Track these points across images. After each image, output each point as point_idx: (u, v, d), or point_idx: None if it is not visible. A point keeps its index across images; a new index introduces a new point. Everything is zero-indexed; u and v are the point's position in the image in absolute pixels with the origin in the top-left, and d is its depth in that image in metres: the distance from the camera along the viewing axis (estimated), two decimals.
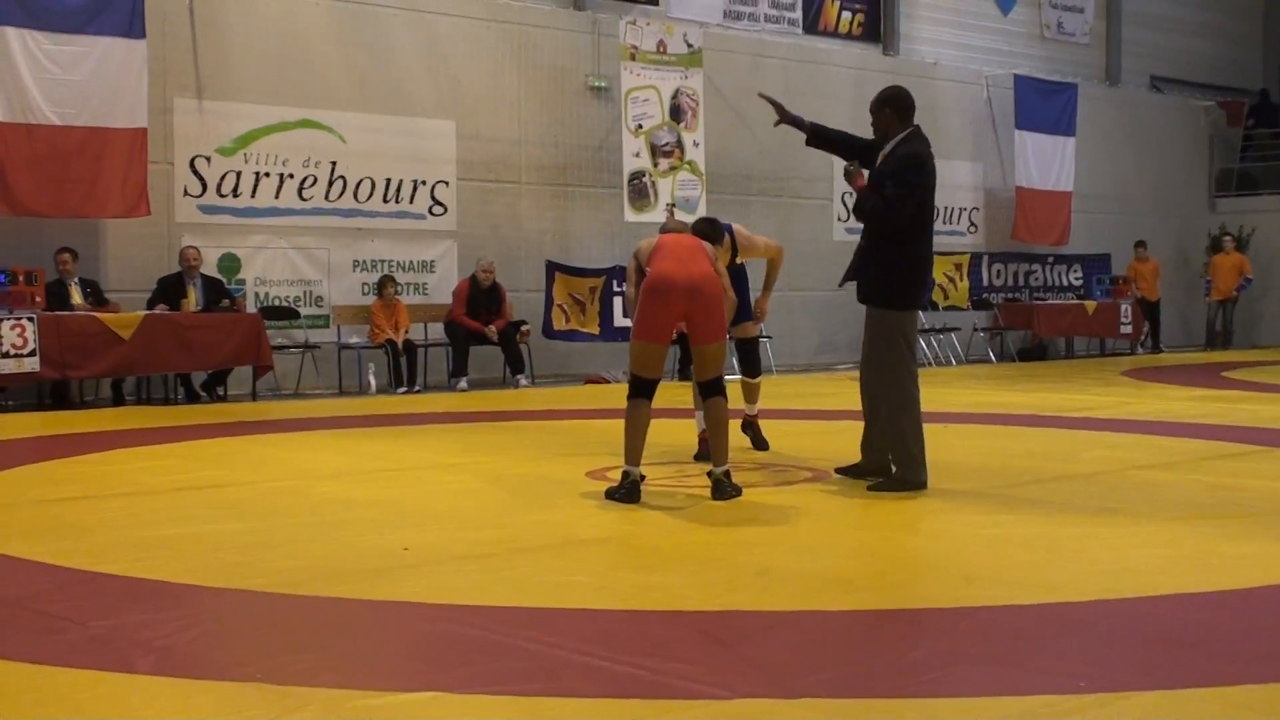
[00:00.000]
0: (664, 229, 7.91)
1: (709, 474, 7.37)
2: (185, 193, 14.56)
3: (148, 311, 13.40)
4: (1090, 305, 21.57)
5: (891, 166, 7.46)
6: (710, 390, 7.37)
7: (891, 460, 7.51)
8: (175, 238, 14.34)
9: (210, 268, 14.41)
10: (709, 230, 8.30)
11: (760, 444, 9.34)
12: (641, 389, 7.27)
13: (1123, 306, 21.77)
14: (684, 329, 7.42)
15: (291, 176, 15.20)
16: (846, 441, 9.18)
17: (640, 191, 17.25)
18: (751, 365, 9.45)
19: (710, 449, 7.46)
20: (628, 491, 7.11)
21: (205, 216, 14.68)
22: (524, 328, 15.97)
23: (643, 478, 7.25)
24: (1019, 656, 4.16)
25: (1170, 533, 6.20)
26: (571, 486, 7.74)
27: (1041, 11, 23.77)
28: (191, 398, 13.89)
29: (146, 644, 4.26)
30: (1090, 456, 8.98)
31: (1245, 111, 26.67)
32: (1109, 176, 23.97)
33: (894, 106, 7.62)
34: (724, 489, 7.22)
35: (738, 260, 9.07)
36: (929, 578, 5.29)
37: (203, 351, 13.50)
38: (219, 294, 14.06)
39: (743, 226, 9.20)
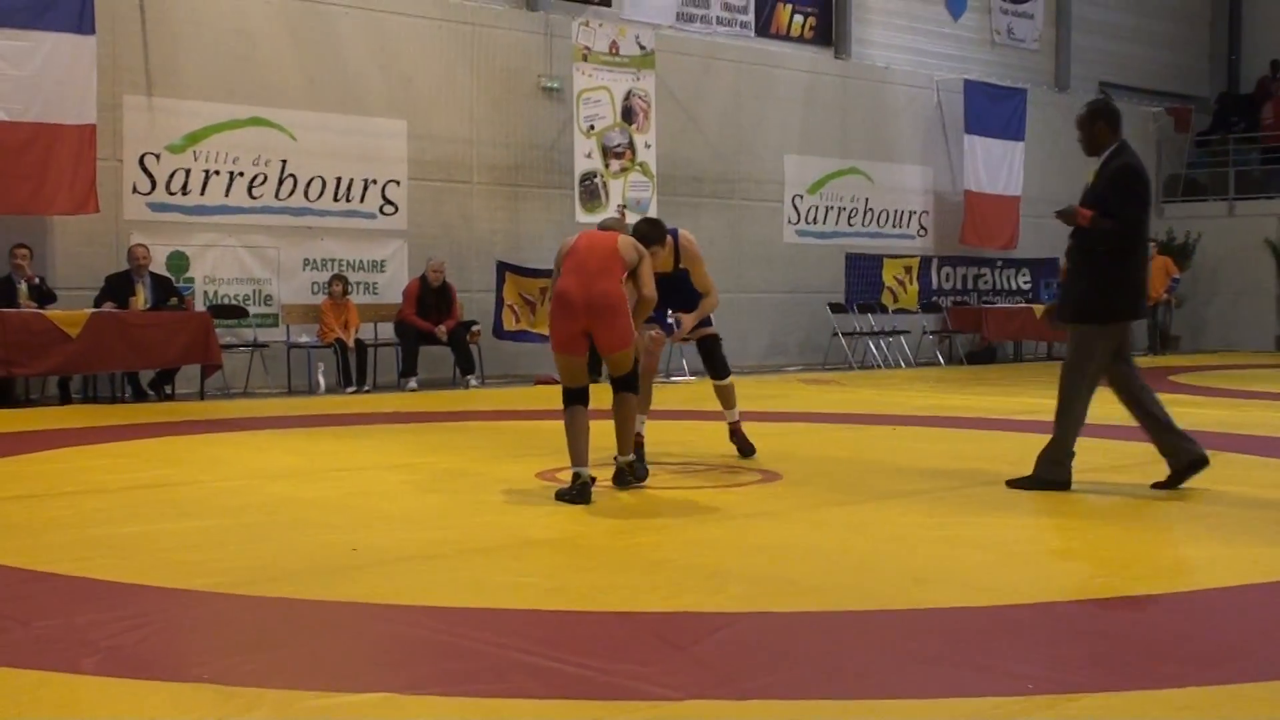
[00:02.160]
0: (601, 225, 7.97)
1: (615, 459, 7.64)
2: (134, 190, 14.45)
3: (95, 309, 13.28)
4: (1038, 309, 21.70)
5: (1108, 179, 7.40)
6: (618, 386, 7.63)
7: (1042, 456, 7.54)
8: (124, 235, 14.22)
9: (159, 266, 14.30)
10: (649, 231, 8.20)
11: (746, 450, 8.98)
12: (573, 396, 7.48)
13: None
14: None
15: (241, 174, 15.11)
16: (796, 443, 9.23)
17: (591, 192, 17.25)
18: (716, 366, 9.03)
19: (616, 438, 7.68)
20: (578, 492, 7.14)
21: (154, 214, 14.57)
22: (474, 328, 15.93)
23: (593, 479, 7.26)
24: (969, 658, 4.19)
25: (1118, 535, 6.25)
26: (522, 487, 7.74)
27: (992, 17, 23.93)
28: (139, 396, 13.78)
29: (93, 644, 4.23)
30: None
31: (1193, 118, 26.92)
32: (1058, 181, 24.03)
33: (1106, 119, 7.48)
34: (623, 477, 7.62)
35: (680, 266, 8.71)
36: (880, 579, 5.31)
37: (151, 350, 13.39)
38: (168, 292, 13.95)
39: (692, 239, 8.78)
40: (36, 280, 13.31)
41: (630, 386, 7.62)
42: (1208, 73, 28.55)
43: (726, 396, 9.06)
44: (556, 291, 7.42)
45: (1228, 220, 25.50)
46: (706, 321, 8.93)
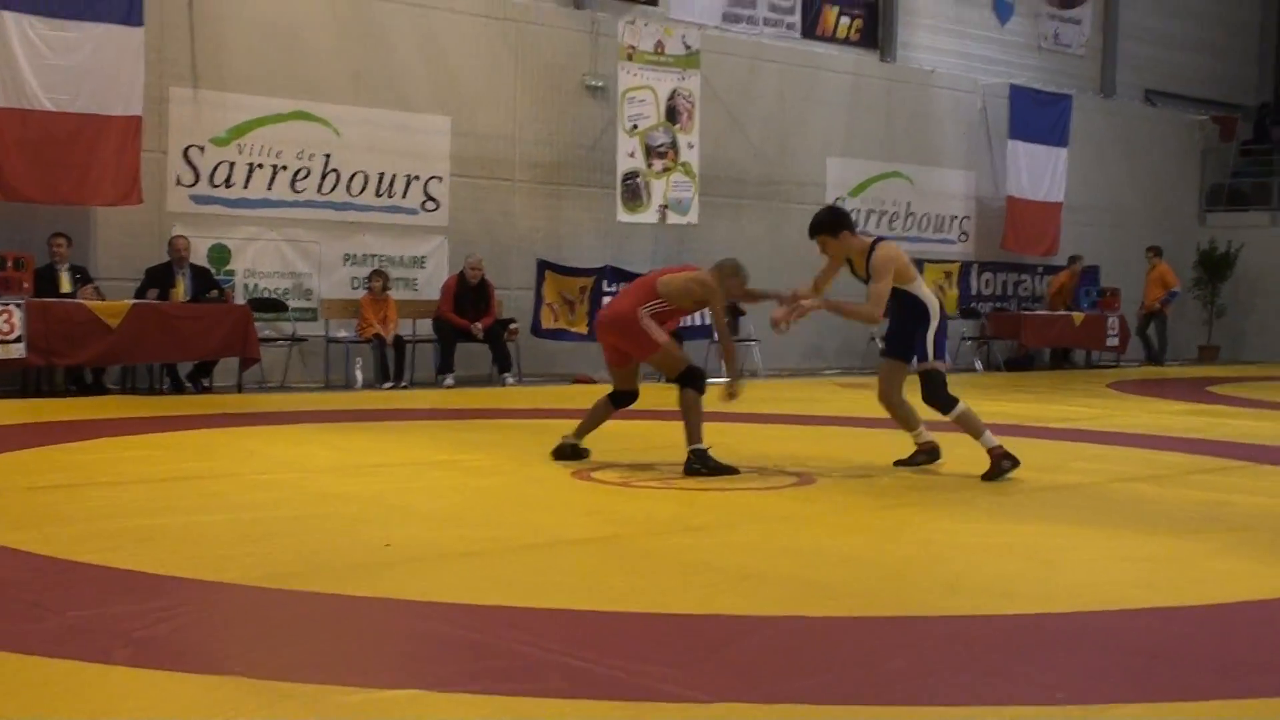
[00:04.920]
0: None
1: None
2: (178, 182, 14.53)
3: (136, 300, 13.36)
4: (1078, 316, 21.60)
5: None
6: (678, 384, 8.33)
7: None
8: (166, 227, 14.30)
9: (200, 258, 14.38)
10: (825, 217, 8.44)
11: (991, 473, 8.17)
12: (611, 394, 8.69)
13: (1109, 319, 21.78)
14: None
15: (285, 168, 15.17)
16: (833, 446, 9.19)
17: (633, 192, 17.24)
18: (932, 399, 8.37)
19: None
20: (557, 449, 8.62)
21: (197, 206, 14.65)
22: (512, 326, 15.96)
23: (572, 449, 8.59)
24: (1000, 667, 4.16)
25: (1154, 546, 6.20)
26: (557, 486, 7.74)
27: (1039, 22, 23.80)
28: (177, 388, 13.86)
29: (125, 635, 4.25)
30: (1076, 468, 8.99)
31: (1238, 126, 26.70)
32: (1101, 188, 24.00)
33: None
34: (689, 465, 8.10)
35: (865, 275, 8.28)
36: (912, 585, 5.29)
37: (190, 342, 13.46)
38: (208, 284, 14.02)
39: (889, 255, 8.20)
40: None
41: (688, 383, 8.25)
42: (1255, 81, 28.30)
43: (965, 426, 8.36)
44: None
45: (1271, 230, 25.28)
46: (923, 355, 8.33)
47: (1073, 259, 22.45)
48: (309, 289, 15.46)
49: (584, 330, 16.89)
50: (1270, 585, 5.37)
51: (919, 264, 20.42)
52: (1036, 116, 22.10)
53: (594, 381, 16.08)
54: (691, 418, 8.19)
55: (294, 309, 15.29)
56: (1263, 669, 4.19)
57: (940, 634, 4.55)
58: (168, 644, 4.20)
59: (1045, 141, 22.15)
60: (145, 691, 3.73)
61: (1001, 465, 8.16)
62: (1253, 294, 25.05)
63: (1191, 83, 26.74)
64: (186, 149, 14.56)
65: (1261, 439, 10.90)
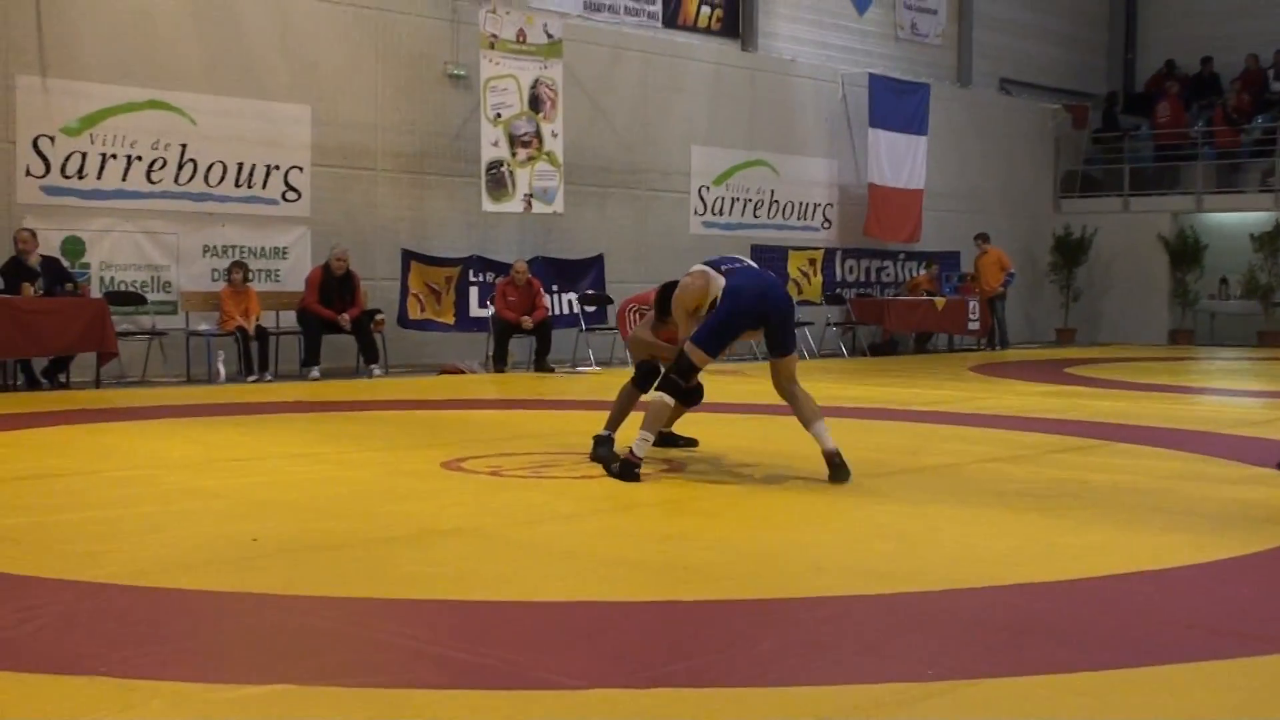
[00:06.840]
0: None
1: None
2: (28, 173, 14.14)
3: None
4: (940, 301, 21.95)
5: None
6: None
7: None
8: (16, 219, 13.90)
9: (54, 250, 14.01)
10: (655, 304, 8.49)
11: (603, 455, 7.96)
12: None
13: (970, 303, 22.18)
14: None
15: (140, 158, 14.84)
16: (701, 433, 9.20)
17: (498, 181, 17.16)
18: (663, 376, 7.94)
19: None
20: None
21: (49, 198, 14.27)
22: (378, 317, 15.80)
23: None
24: (868, 645, 4.22)
25: (1015, 524, 6.34)
26: (427, 477, 7.69)
27: (896, 12, 24.14)
28: (32, 384, 13.51)
29: None
30: (939, 449, 9.15)
31: (1089, 115, 27.33)
32: (959, 176, 24.41)
33: None
34: (593, 449, 8.09)
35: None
36: (781, 568, 5.35)
37: (44, 337, 13.11)
38: (61, 278, 13.67)
39: (684, 283, 7.95)
40: None
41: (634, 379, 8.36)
42: (1104, 70, 29.02)
43: (650, 413, 7.65)
44: None
45: (1123, 216, 25.94)
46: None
47: (929, 261, 22.85)
48: (168, 281, 15.17)
49: (450, 320, 16.79)
50: (1126, 559, 5.52)
51: (784, 251, 20.79)
52: (895, 105, 22.42)
53: (461, 371, 16.01)
54: (617, 405, 8.34)
55: (153, 302, 14.98)
56: (1123, 642, 4.29)
57: (810, 615, 4.60)
58: (29, 645, 4.10)
59: (905, 130, 22.48)
60: (5, 694, 3.64)
61: (613, 467, 7.54)
62: (1107, 277, 25.71)
63: (1044, 72, 27.35)
64: (36, 139, 14.17)
65: (1116, 418, 11.17)
